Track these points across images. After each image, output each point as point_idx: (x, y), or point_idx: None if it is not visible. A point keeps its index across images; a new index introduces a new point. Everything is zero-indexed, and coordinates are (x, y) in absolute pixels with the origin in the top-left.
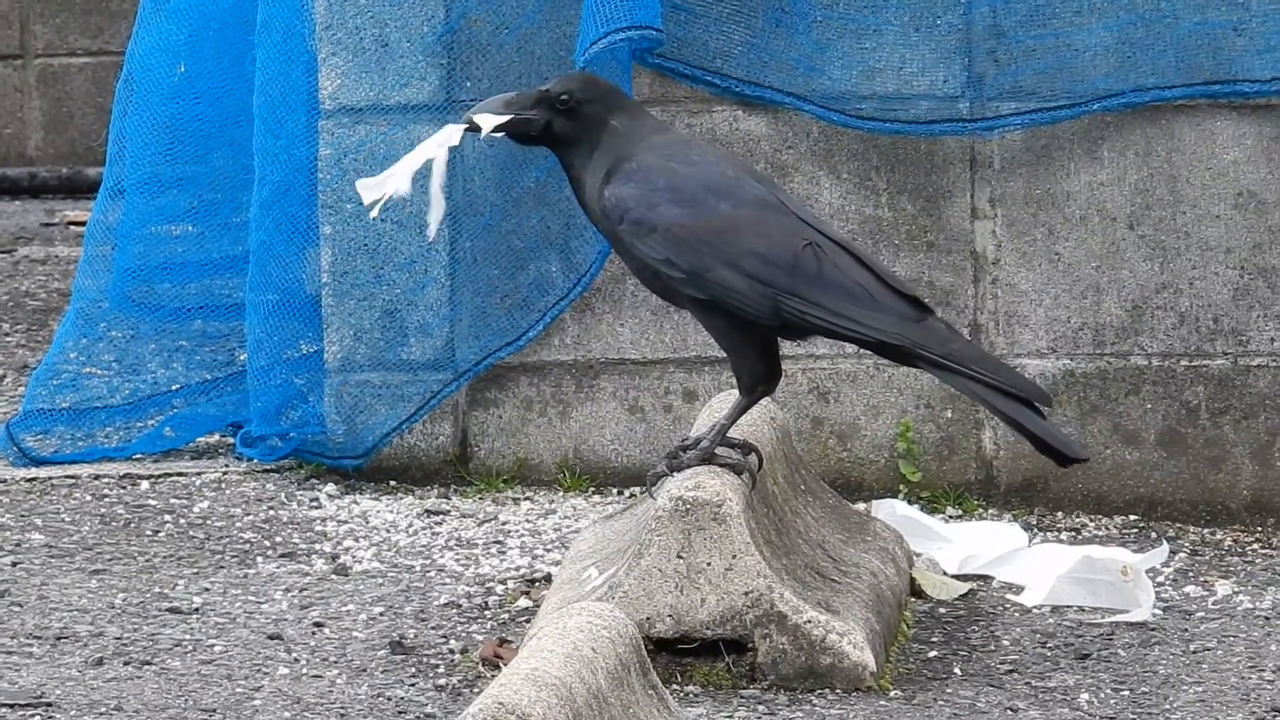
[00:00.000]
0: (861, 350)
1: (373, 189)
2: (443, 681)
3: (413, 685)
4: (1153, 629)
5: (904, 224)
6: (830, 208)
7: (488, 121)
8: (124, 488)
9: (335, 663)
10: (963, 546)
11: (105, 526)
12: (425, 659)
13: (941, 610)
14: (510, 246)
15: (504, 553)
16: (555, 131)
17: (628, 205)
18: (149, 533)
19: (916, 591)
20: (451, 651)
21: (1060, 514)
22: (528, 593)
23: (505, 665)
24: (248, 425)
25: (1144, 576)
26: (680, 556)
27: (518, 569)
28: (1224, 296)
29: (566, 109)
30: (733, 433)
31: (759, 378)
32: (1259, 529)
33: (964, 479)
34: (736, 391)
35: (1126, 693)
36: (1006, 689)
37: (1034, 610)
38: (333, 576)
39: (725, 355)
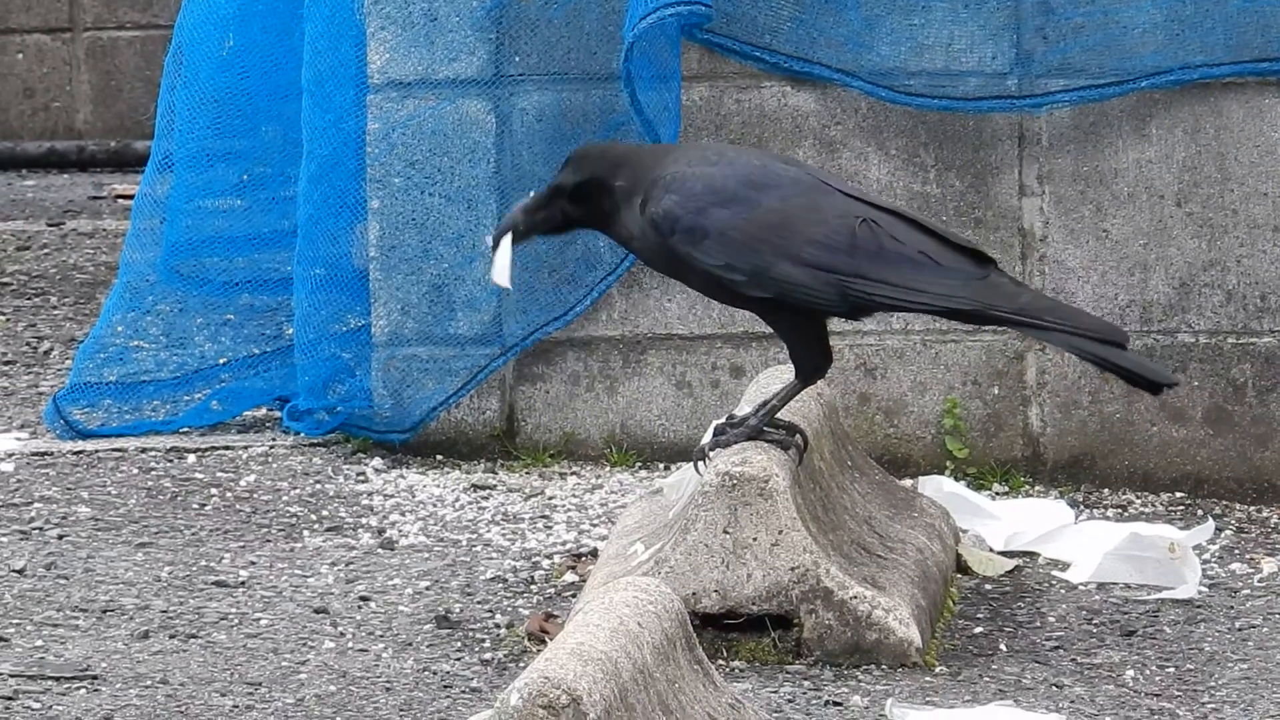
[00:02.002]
0: (909, 326)
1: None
2: (488, 656)
3: (458, 659)
4: (1198, 606)
5: (952, 200)
6: (878, 184)
7: (502, 266)
8: (170, 461)
9: (381, 637)
10: (1009, 523)
11: (151, 500)
12: (471, 633)
13: (987, 587)
14: None
15: (550, 527)
16: (576, 219)
17: (675, 215)
18: (195, 506)
19: (962, 568)
20: (497, 626)
21: (1107, 491)
22: (574, 567)
23: (551, 640)
24: (294, 399)
25: (1191, 554)
26: (726, 532)
27: (564, 544)
28: (1272, 274)
29: (577, 196)
30: (780, 412)
31: (818, 367)
32: None
33: (1010, 455)
34: (783, 368)
35: (1172, 669)
36: (1052, 665)
37: (1080, 587)
38: (379, 550)
39: (774, 334)
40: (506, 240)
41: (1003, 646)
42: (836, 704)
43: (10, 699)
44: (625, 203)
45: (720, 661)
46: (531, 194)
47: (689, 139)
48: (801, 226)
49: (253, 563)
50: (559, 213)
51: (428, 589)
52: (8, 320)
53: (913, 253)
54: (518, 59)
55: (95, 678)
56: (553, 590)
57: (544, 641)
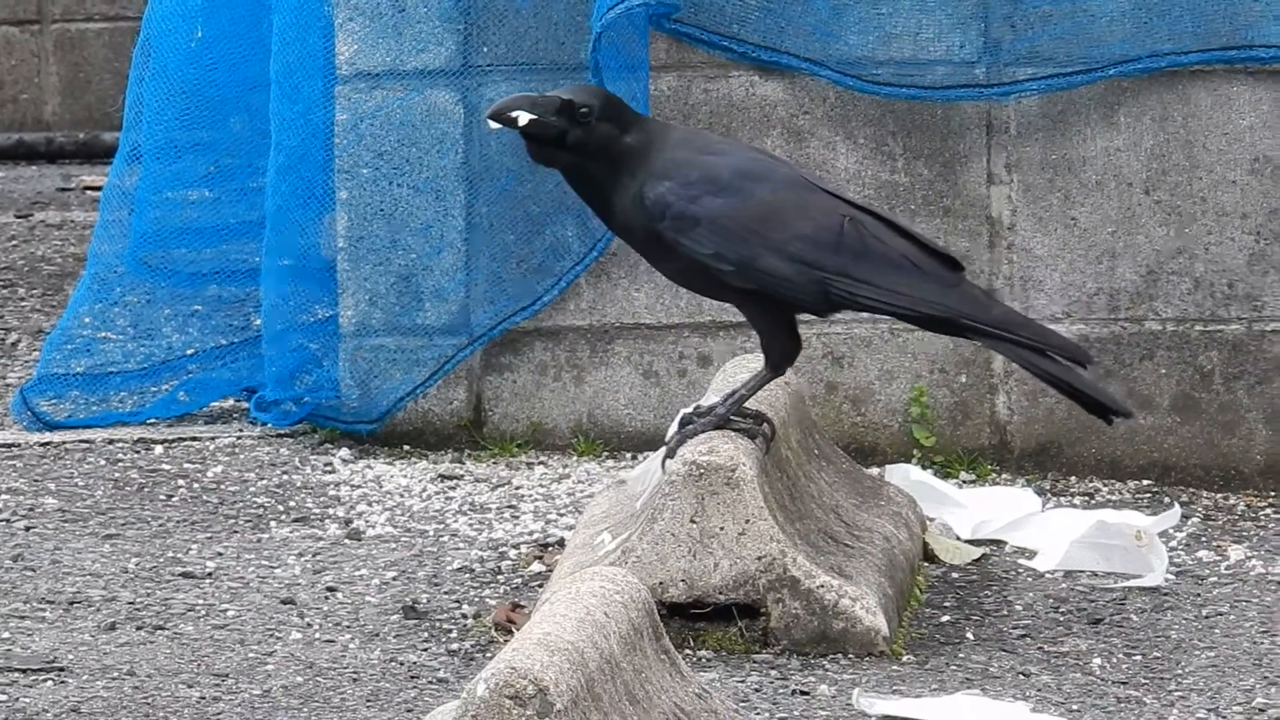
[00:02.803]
0: (877, 316)
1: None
2: (455, 646)
3: (425, 650)
4: (1165, 594)
5: (920, 189)
6: (846, 173)
7: (524, 117)
8: (138, 452)
9: (348, 627)
10: (976, 511)
11: (119, 491)
12: (438, 624)
13: (954, 575)
14: (526, 212)
15: (517, 517)
16: (569, 142)
17: (668, 201)
18: (162, 497)
19: (929, 556)
20: (464, 616)
21: (1074, 478)
22: (541, 557)
23: (518, 630)
24: (262, 390)
25: (1157, 541)
26: (693, 521)
27: (531, 534)
28: (1239, 262)
29: (584, 122)
30: (748, 401)
31: (787, 355)
32: (1272, 494)
33: (977, 444)
34: (750, 357)
35: (1139, 657)
36: (1019, 654)
37: (1047, 575)
38: (346, 541)
39: (742, 322)
40: None
41: (970, 635)
42: (804, 693)
43: None
44: (624, 165)
45: (687, 651)
46: (536, 94)
47: None
48: (790, 221)
49: (220, 554)
50: (559, 128)
51: (395, 579)
52: None
53: (895, 255)
54: (485, 50)
55: (62, 669)
56: (519, 580)
57: (511, 632)
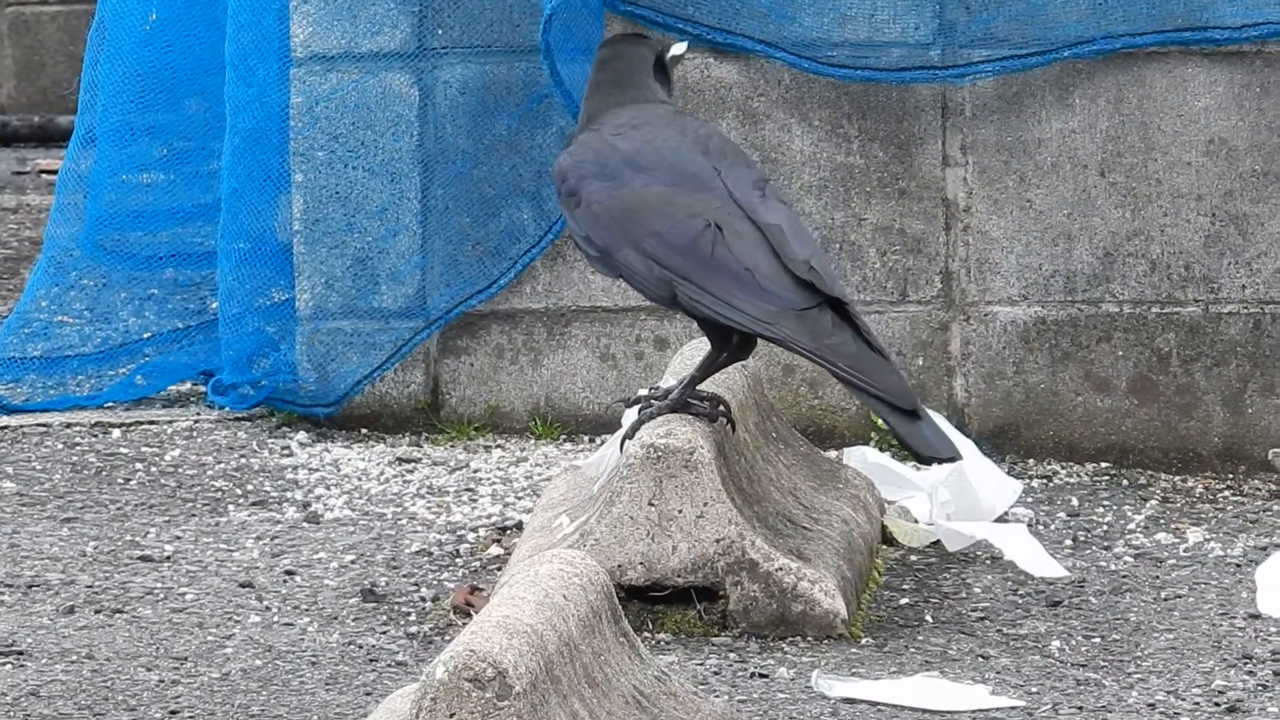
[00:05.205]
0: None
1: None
2: (414, 629)
3: (384, 633)
4: (1124, 576)
5: (875, 171)
6: (801, 155)
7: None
8: (95, 436)
9: (306, 610)
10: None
11: (76, 475)
12: (396, 607)
13: (913, 558)
14: (482, 195)
15: (475, 500)
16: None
17: (565, 175)
18: (120, 481)
19: (888, 539)
20: (423, 599)
21: (1032, 461)
22: (499, 540)
23: (476, 613)
24: (219, 373)
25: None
26: (651, 504)
27: (489, 517)
28: (1195, 244)
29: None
30: (705, 384)
31: (725, 338)
32: (1230, 476)
33: None
34: (705, 340)
35: (1098, 640)
36: (978, 636)
37: (1005, 558)
38: (304, 524)
39: None
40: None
41: (928, 618)
42: (763, 676)
43: None
44: (586, 125)
45: (646, 634)
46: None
47: None
48: (650, 217)
49: (178, 537)
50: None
51: (353, 563)
52: None
53: (739, 268)
54: (440, 32)
55: (21, 653)
56: (478, 563)
57: (469, 615)
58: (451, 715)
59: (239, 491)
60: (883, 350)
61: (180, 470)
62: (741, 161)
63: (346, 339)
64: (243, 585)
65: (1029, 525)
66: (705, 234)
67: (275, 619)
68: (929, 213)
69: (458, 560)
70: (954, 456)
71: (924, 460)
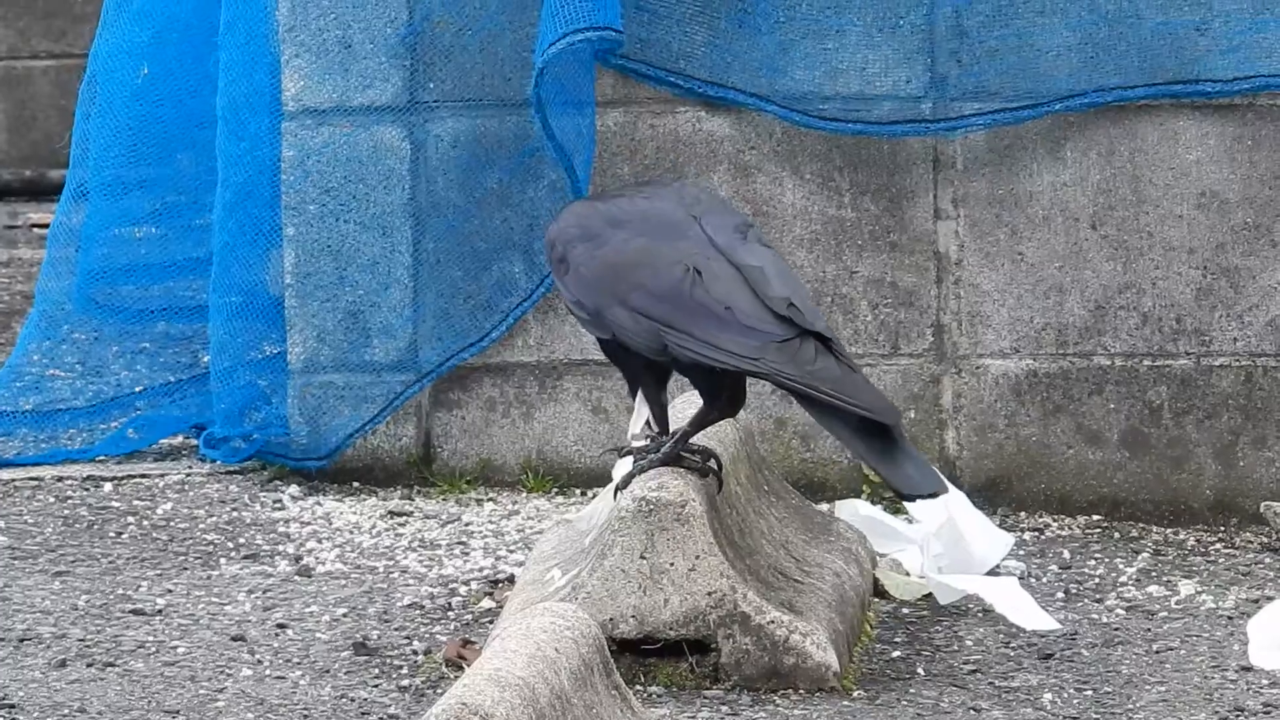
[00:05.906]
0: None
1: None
2: (406, 682)
3: (376, 686)
4: (1116, 629)
5: (867, 224)
6: (793, 208)
7: None
8: (87, 489)
9: (298, 664)
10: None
11: (68, 528)
12: (388, 660)
13: (905, 610)
14: (473, 248)
15: (467, 554)
16: None
17: (554, 242)
18: (112, 534)
19: (880, 592)
20: (415, 652)
21: (1024, 514)
22: (491, 594)
23: (468, 666)
24: (211, 427)
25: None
26: (643, 557)
27: (481, 570)
28: (1187, 296)
29: None
30: (697, 438)
31: (716, 394)
32: (1222, 529)
33: None
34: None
35: (1090, 692)
36: (970, 689)
37: (997, 611)
38: (296, 578)
39: None
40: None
41: (920, 670)
42: None
43: None
44: None
45: (638, 687)
46: None
47: (604, 165)
48: (631, 271)
49: (170, 590)
50: None
51: (345, 616)
52: None
53: (719, 308)
54: (432, 85)
55: (13, 706)
56: (470, 617)
57: (461, 668)
58: None
59: (231, 545)
60: (865, 378)
61: (172, 524)
62: (722, 210)
63: (338, 392)
64: (235, 638)
65: (1021, 578)
66: (685, 279)
67: (267, 672)
68: (920, 265)
69: (450, 613)
70: (938, 491)
71: (908, 497)
